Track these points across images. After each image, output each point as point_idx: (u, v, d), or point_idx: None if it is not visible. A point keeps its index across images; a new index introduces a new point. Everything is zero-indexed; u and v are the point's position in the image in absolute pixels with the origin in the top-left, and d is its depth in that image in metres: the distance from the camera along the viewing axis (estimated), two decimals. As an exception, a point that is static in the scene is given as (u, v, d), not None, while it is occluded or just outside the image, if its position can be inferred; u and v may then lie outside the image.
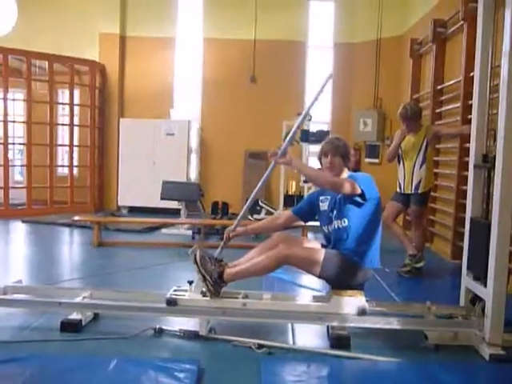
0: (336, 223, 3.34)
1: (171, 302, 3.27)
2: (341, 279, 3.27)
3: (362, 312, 3.19)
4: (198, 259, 3.25)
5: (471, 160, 3.58)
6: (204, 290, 3.29)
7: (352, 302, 3.22)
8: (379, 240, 3.34)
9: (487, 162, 3.38)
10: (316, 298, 3.58)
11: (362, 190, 3.21)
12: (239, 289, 3.53)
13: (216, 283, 3.25)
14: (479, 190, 3.52)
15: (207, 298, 3.29)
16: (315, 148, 9.14)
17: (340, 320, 3.21)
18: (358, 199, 3.24)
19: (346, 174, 3.41)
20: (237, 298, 3.43)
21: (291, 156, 3.30)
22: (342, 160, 3.41)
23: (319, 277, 3.34)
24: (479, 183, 3.51)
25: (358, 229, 3.25)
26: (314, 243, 3.59)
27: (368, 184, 3.28)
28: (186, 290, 3.39)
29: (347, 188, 3.19)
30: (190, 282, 3.38)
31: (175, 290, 3.42)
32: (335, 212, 3.35)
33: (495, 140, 3.19)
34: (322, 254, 3.27)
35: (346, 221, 3.28)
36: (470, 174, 3.58)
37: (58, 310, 3.33)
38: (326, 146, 3.46)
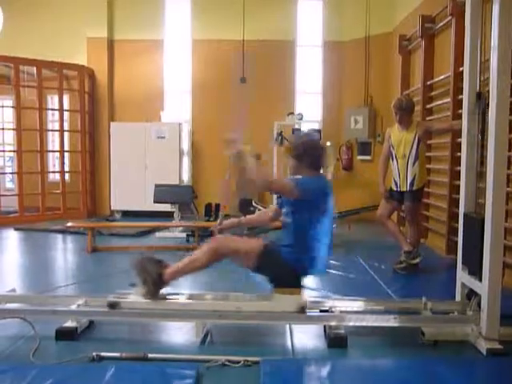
0: (285, 219, 3.38)
1: (112, 305, 3.28)
2: (275, 277, 3.26)
3: (301, 310, 3.19)
4: (137, 263, 3.33)
5: (463, 155, 3.58)
6: (144, 291, 3.31)
7: (292, 300, 3.20)
8: (325, 244, 3.25)
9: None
10: (260, 297, 3.47)
11: (300, 192, 3.15)
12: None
13: (155, 284, 3.30)
14: (472, 185, 3.53)
15: (147, 300, 3.30)
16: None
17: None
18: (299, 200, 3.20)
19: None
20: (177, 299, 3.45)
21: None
22: (298, 162, 3.31)
23: (254, 271, 3.30)
24: (472, 178, 3.52)
25: (297, 228, 3.23)
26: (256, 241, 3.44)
27: (308, 185, 3.20)
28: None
29: (286, 191, 3.21)
30: (133, 285, 3.41)
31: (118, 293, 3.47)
32: (284, 208, 3.40)
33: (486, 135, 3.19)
34: (258, 247, 3.24)
35: (290, 219, 3.29)
36: (463, 168, 3.59)
37: (53, 318, 3.31)
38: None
